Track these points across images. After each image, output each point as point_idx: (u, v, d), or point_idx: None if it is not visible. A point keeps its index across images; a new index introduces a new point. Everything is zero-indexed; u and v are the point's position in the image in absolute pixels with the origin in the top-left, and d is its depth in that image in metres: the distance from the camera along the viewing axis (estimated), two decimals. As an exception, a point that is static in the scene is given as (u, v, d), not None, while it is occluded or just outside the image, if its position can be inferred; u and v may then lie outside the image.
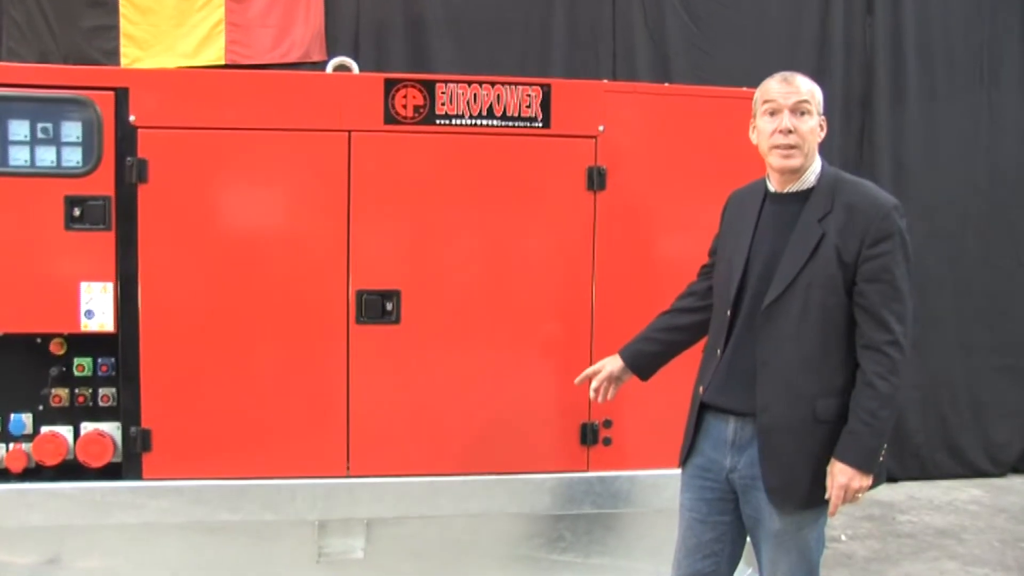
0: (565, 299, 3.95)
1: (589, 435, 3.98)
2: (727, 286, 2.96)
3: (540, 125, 3.91)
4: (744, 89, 4.13)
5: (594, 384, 3.36)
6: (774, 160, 2.87)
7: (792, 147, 2.82)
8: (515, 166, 3.91)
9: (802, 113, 2.83)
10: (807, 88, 2.86)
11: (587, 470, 4.00)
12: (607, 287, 3.92)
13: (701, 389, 3.04)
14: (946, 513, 6.16)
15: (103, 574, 3.91)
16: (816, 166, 2.90)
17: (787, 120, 2.81)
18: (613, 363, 3.35)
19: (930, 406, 6.81)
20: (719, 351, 2.96)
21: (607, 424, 3.98)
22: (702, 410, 3.04)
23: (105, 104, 3.71)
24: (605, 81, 4.33)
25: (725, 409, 2.96)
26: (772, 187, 2.97)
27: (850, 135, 6.68)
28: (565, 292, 3.95)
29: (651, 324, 3.37)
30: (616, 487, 3.97)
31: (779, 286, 2.80)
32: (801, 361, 2.79)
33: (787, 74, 2.90)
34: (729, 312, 2.93)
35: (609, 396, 3.37)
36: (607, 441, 3.99)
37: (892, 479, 6.76)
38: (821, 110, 2.89)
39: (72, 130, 3.72)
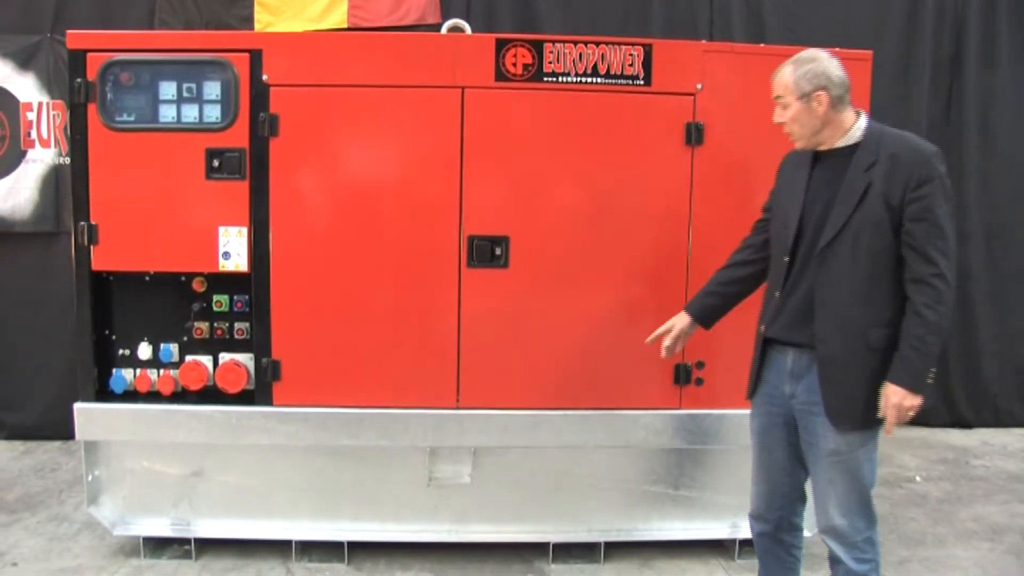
0: (662, 247, 3.91)
1: (682, 375, 3.97)
2: (784, 235, 3.04)
3: (642, 83, 3.85)
4: (836, 49, 3.99)
5: (666, 343, 3.41)
6: None
7: (790, 134, 3.00)
8: (617, 121, 3.86)
9: (783, 106, 2.97)
10: (779, 81, 2.97)
11: (679, 408, 3.99)
12: (702, 237, 3.86)
13: (763, 328, 3.14)
14: (1019, 459, 5.95)
15: (238, 488, 4.07)
16: (861, 122, 2.96)
17: (775, 115, 3.01)
18: (681, 320, 3.42)
19: (1007, 358, 6.57)
20: (777, 293, 3.06)
21: (699, 365, 3.95)
22: (765, 345, 3.14)
23: (241, 65, 3.79)
24: (703, 41, 4.24)
25: (785, 342, 3.06)
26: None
27: (937, 95, 6.37)
28: (663, 241, 3.91)
29: (712, 279, 3.43)
30: (706, 425, 3.96)
31: (832, 230, 2.88)
32: (854, 296, 2.88)
33: (778, 68, 3.01)
34: (787, 258, 3.02)
35: (678, 350, 3.45)
36: (699, 381, 3.96)
37: (967, 425, 6.58)
38: (804, 91, 2.91)
39: (212, 89, 3.82)
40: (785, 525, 3.23)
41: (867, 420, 2.89)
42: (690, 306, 3.42)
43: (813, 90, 2.90)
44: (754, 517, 3.30)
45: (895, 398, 2.81)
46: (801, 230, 2.98)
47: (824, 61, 2.93)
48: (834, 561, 3.04)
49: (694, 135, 3.86)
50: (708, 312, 3.40)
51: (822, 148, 2.99)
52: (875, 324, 2.86)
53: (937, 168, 2.83)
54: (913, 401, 2.80)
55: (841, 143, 2.96)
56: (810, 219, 2.96)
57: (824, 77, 2.90)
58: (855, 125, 2.95)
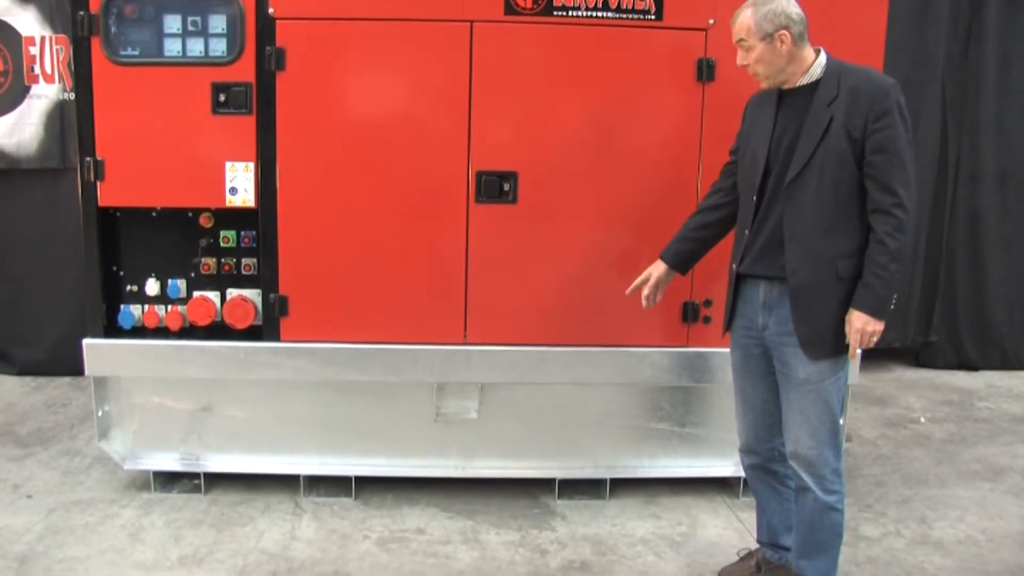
0: (672, 184, 3.90)
1: (690, 313, 3.99)
2: (752, 174, 3.12)
3: (653, 17, 3.80)
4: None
5: (645, 292, 3.48)
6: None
7: (755, 75, 3.06)
8: (628, 56, 3.82)
9: (746, 49, 3.02)
10: (740, 25, 3.01)
11: (687, 346, 4.02)
12: (712, 174, 3.80)
13: (735, 266, 3.23)
14: (1024, 401, 6.03)
15: (247, 423, 4.13)
16: (821, 60, 3.02)
17: (739, 58, 3.06)
18: (657, 268, 3.49)
19: (1016, 301, 6.58)
20: (747, 230, 3.15)
21: (707, 303, 3.97)
22: (738, 280, 3.23)
23: (247, -4, 3.74)
24: (716, -25, 4.17)
25: (757, 275, 3.15)
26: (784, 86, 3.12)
27: (956, 33, 6.26)
28: (672, 177, 3.90)
29: (684, 225, 3.49)
30: (713, 363, 3.98)
31: (798, 165, 2.98)
32: (822, 228, 2.97)
33: (736, 12, 3.05)
34: (755, 196, 3.10)
35: (658, 299, 3.50)
36: (707, 320, 3.98)
37: (973, 367, 6.61)
38: (767, 32, 2.96)
39: (218, 22, 3.78)
40: (776, 456, 3.32)
41: (837, 347, 3.01)
42: (665, 253, 3.49)
43: (775, 30, 2.96)
44: (743, 451, 3.41)
45: (859, 323, 2.93)
46: (768, 167, 3.07)
47: (782, 0, 2.98)
48: (801, 490, 3.14)
49: (705, 71, 3.83)
50: (683, 258, 3.48)
51: (787, 87, 3.06)
52: (843, 255, 2.96)
53: (896, 99, 2.90)
54: (876, 326, 2.93)
55: (804, 81, 3.03)
56: (776, 156, 3.05)
57: (784, 16, 2.96)
58: (816, 63, 3.02)
